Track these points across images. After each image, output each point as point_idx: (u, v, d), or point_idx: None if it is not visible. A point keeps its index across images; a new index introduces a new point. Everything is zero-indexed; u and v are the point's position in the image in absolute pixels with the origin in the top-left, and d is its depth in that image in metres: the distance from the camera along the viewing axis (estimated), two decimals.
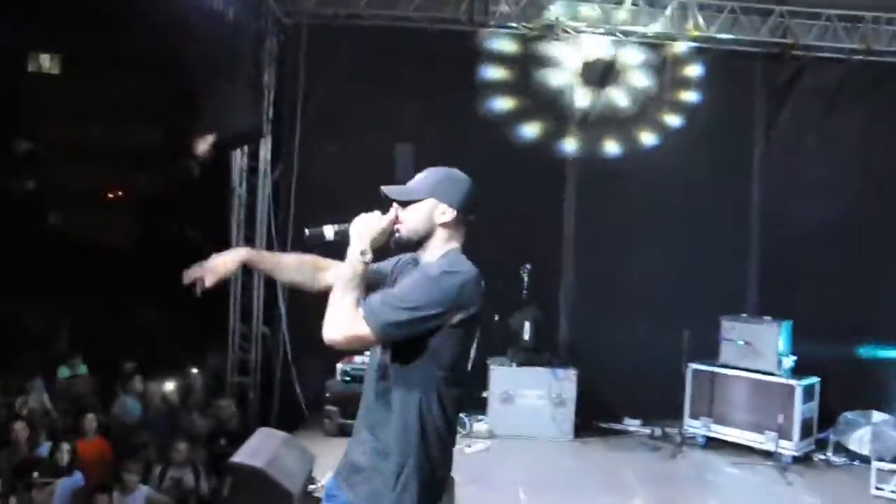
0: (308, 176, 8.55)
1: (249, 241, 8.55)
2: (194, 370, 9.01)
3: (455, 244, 2.73)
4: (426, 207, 2.69)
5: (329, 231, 2.75)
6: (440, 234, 2.71)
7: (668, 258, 8.46)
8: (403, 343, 2.57)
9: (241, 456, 5.17)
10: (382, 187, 2.75)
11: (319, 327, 7.99)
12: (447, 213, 2.69)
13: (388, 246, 2.78)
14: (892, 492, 6.54)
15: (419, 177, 2.76)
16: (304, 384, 8.33)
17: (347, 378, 7.55)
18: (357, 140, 8.57)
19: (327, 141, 8.64)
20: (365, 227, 2.65)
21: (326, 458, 6.21)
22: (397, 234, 2.72)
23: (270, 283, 8.59)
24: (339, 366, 7.62)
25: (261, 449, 5.31)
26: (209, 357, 9.28)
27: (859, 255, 8.48)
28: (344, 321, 2.53)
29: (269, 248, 8.57)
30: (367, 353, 2.85)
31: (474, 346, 2.70)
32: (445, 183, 2.74)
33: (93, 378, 8.79)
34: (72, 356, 8.94)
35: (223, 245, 8.56)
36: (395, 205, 2.73)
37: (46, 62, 22.42)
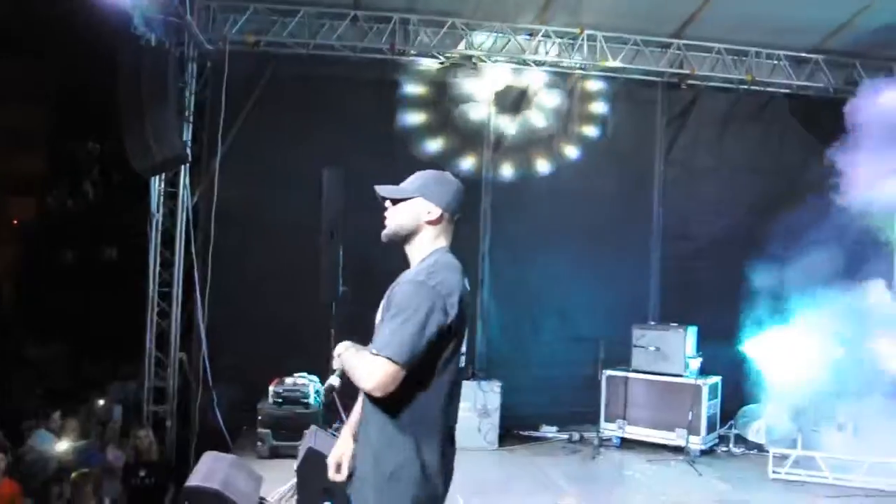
0: (228, 199, 8.56)
1: (167, 265, 8.50)
2: (103, 402, 8.77)
3: (442, 243, 2.93)
4: (414, 206, 2.91)
5: (334, 381, 2.88)
6: (427, 232, 2.91)
7: (578, 273, 9.01)
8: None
9: (196, 479, 5.22)
10: (375, 186, 2.98)
11: (239, 352, 8.05)
12: (433, 213, 2.90)
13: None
14: (787, 474, 7.29)
15: (411, 177, 2.98)
16: (225, 410, 8.18)
17: (280, 400, 7.57)
18: (279, 164, 8.67)
19: (249, 165, 8.72)
20: (347, 356, 2.82)
21: (266, 480, 6.32)
22: (384, 230, 2.95)
23: (189, 308, 8.54)
24: (272, 388, 7.64)
25: (213, 471, 5.38)
26: (124, 386, 9.06)
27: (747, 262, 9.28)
28: (366, 370, 2.68)
29: (188, 271, 8.54)
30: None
31: (463, 344, 2.90)
32: (434, 184, 2.95)
33: None
34: None
35: (141, 268, 8.50)
36: (387, 203, 2.95)
37: None
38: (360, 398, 2.95)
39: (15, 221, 15.83)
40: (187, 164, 8.64)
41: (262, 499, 5.82)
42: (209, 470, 5.40)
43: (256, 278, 8.61)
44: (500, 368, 8.91)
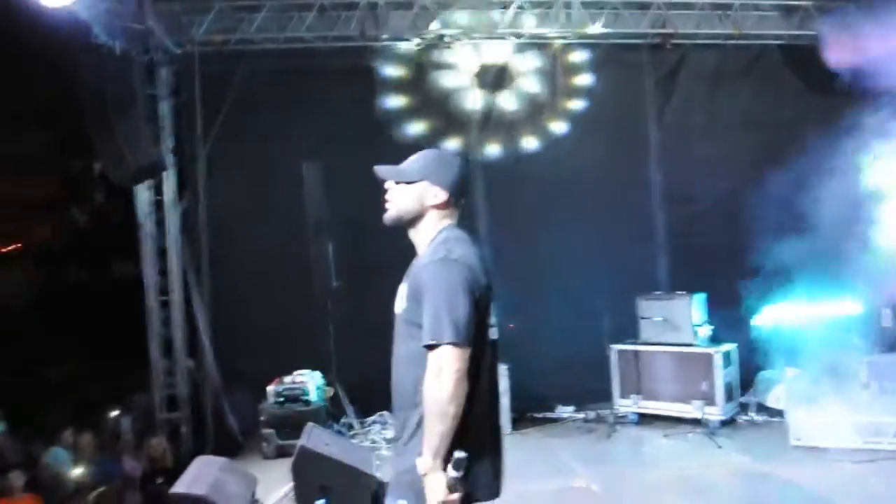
0: (217, 203, 8.46)
1: (162, 274, 8.41)
2: (116, 413, 8.73)
3: (448, 222, 2.78)
4: (417, 189, 2.74)
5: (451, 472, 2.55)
6: (432, 215, 2.75)
7: (580, 246, 8.72)
8: (410, 327, 2.61)
9: (182, 486, 5.05)
10: (375, 167, 2.80)
11: (244, 354, 7.88)
12: (439, 196, 2.74)
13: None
14: (810, 440, 6.90)
15: (413, 158, 2.81)
16: (237, 412, 8.18)
17: (281, 399, 7.48)
18: (262, 162, 8.54)
19: (232, 166, 8.59)
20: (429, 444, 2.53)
21: (269, 481, 6.20)
22: (387, 214, 2.78)
23: (190, 315, 8.44)
24: (270, 388, 7.55)
25: (200, 476, 5.20)
26: (132, 398, 9.02)
27: (753, 222, 8.96)
28: (438, 376, 2.49)
29: (185, 278, 8.44)
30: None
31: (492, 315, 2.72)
32: (437, 165, 2.78)
33: (14, 436, 8.41)
34: None
35: (137, 282, 8.42)
36: (388, 184, 2.78)
37: None
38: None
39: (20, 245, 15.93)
40: (173, 171, 8.57)
41: (255, 501, 5.63)
42: (196, 475, 5.23)
43: (253, 279, 8.53)
44: (509, 351, 8.58)
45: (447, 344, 2.48)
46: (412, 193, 2.74)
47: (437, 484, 2.49)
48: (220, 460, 5.70)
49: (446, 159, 2.83)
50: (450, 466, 2.51)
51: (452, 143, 9.04)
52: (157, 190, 8.53)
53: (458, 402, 2.48)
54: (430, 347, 2.51)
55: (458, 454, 2.50)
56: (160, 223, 8.51)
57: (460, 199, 2.81)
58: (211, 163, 8.51)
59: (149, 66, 8.37)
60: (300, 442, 5.83)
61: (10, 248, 16.55)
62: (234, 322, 8.39)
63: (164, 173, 8.41)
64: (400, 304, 2.72)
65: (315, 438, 5.93)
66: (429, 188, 2.73)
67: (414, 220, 2.76)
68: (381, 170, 2.80)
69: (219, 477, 5.27)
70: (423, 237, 2.75)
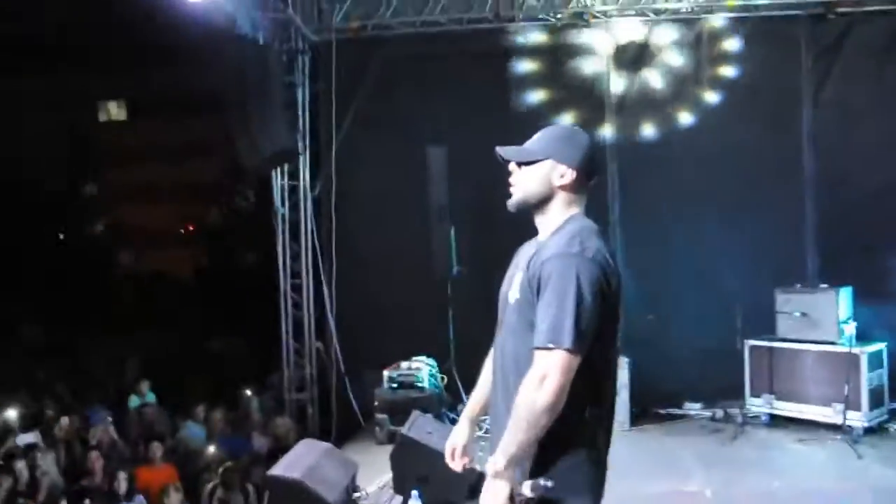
0: (348, 188, 8.68)
1: (295, 258, 8.76)
2: (250, 392, 9.22)
3: (576, 209, 2.56)
4: (544, 169, 2.54)
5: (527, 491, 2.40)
6: (560, 197, 2.55)
7: (722, 236, 8.17)
8: (523, 321, 2.43)
9: (279, 469, 5.26)
10: (497, 148, 2.63)
11: (369, 337, 8.06)
12: (566, 175, 2.53)
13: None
14: None
15: (536, 136, 2.63)
16: (359, 395, 8.40)
17: (395, 385, 7.60)
18: (394, 148, 8.67)
19: (364, 152, 8.76)
20: (505, 447, 2.37)
21: (377, 466, 6.30)
22: (511, 199, 2.60)
23: (319, 298, 8.75)
24: (386, 373, 7.68)
25: (299, 460, 5.39)
26: (268, 377, 9.51)
27: None
28: (542, 382, 2.29)
29: (314, 260, 8.74)
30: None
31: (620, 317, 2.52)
32: (564, 142, 2.58)
33: (161, 406, 9.12)
34: (139, 386, 9.30)
35: (271, 266, 8.84)
36: (511, 166, 2.61)
37: (114, 109, 23.57)
38: (488, 378, 2.68)
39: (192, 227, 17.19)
40: (306, 158, 8.89)
41: (355, 487, 5.76)
42: (296, 459, 5.42)
43: (380, 263, 8.68)
44: (637, 344, 8.27)
45: (563, 350, 2.27)
46: (538, 174, 2.53)
47: (499, 493, 2.34)
48: (324, 445, 5.89)
49: (572, 135, 2.61)
50: (528, 484, 2.34)
51: (588, 126, 8.69)
52: (293, 176, 8.87)
53: (553, 414, 2.30)
54: (541, 348, 2.31)
55: (546, 482, 2.33)
56: (294, 208, 8.84)
57: (590, 179, 2.58)
58: (344, 149, 8.74)
59: (288, 54, 8.70)
60: (402, 430, 5.93)
61: (184, 230, 18.00)
62: (359, 306, 8.61)
63: (300, 160, 8.75)
64: (513, 293, 2.50)
65: (418, 427, 6.00)
66: (555, 167, 2.52)
67: (540, 203, 2.55)
68: (503, 151, 2.61)
69: (318, 462, 5.43)
70: (549, 223, 2.54)
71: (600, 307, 2.34)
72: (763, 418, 7.57)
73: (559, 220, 2.51)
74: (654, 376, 7.99)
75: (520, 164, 2.57)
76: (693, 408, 8.21)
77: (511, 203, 2.59)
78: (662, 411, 8.19)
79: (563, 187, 2.52)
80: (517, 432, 2.31)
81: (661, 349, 8.18)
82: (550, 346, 2.28)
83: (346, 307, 8.67)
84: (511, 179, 2.59)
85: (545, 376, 2.28)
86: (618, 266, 2.48)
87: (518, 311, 2.47)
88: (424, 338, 8.12)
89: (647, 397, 7.96)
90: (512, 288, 2.52)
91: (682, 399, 8.29)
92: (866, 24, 8.26)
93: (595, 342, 2.35)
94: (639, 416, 7.81)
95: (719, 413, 7.99)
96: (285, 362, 8.73)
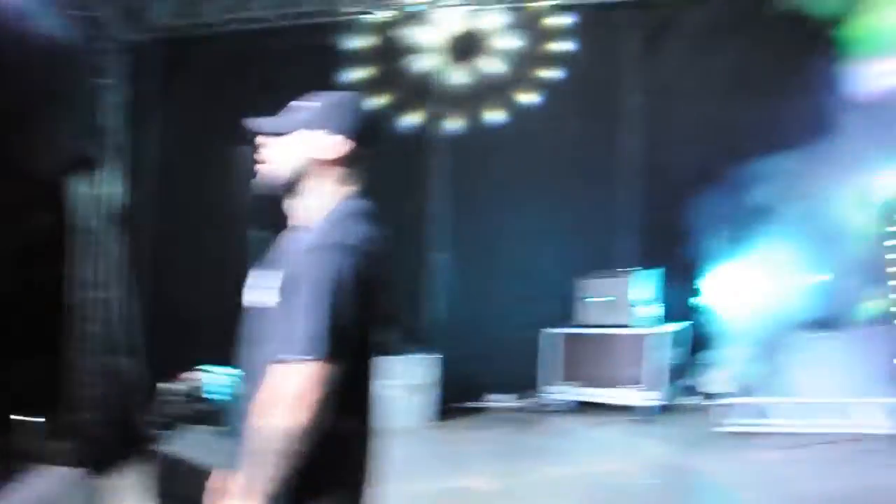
0: (160, 194, 8.19)
1: (92, 271, 8.16)
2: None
3: (347, 187, 2.08)
4: (303, 140, 2.06)
5: None
6: (324, 174, 2.06)
7: (540, 224, 8.12)
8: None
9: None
10: (247, 120, 2.11)
11: (175, 349, 7.31)
12: (337, 147, 2.06)
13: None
14: (739, 426, 6.38)
15: (297, 103, 2.12)
16: (149, 411, 7.87)
17: (180, 398, 7.14)
18: (213, 151, 8.17)
19: (182, 156, 8.26)
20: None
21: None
22: (258, 178, 2.08)
23: (120, 313, 8.20)
24: (168, 386, 7.23)
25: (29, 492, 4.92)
26: (54, 399, 8.86)
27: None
28: (285, 400, 1.84)
29: (117, 272, 8.20)
30: None
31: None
32: (330, 108, 2.09)
33: None
34: None
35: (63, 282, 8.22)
36: (261, 139, 2.11)
37: None
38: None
39: None
40: (116, 164, 8.31)
41: None
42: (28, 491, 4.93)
43: (189, 272, 8.18)
44: (450, 339, 8.13)
45: (314, 360, 1.83)
46: (295, 146, 2.06)
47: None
48: (68, 472, 5.40)
49: (342, 100, 2.12)
50: None
51: (414, 118, 8.59)
52: (96, 184, 8.24)
53: (308, 436, 1.84)
54: (289, 360, 1.84)
55: None
56: (97, 218, 8.23)
57: (363, 150, 2.10)
58: (159, 153, 8.24)
59: (98, 53, 8.08)
60: (166, 446, 5.56)
61: None
62: (165, 317, 8.09)
63: (106, 166, 8.16)
64: (268, 296, 1.99)
65: (190, 442, 5.64)
66: (318, 137, 2.04)
67: (297, 183, 2.05)
68: (256, 123, 2.11)
69: (50, 493, 4.97)
70: (311, 207, 2.04)
71: (361, 303, 1.92)
72: (569, 405, 7.54)
73: (326, 203, 2.05)
74: (463, 371, 7.85)
75: (276, 137, 2.09)
76: (498, 399, 8.13)
77: (260, 183, 2.09)
78: (470, 405, 8.05)
79: (329, 162, 2.07)
80: (263, 467, 1.86)
81: (471, 342, 8.05)
82: (305, 357, 1.84)
83: (150, 319, 8.15)
84: (261, 154, 2.09)
85: (294, 395, 1.83)
86: (375, 252, 2.00)
87: (280, 317, 1.96)
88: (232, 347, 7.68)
89: (455, 392, 7.80)
90: (262, 289, 2.05)
91: (488, 392, 8.20)
92: (692, 12, 8.24)
93: (354, 344, 1.93)
94: (447, 412, 7.64)
95: (521, 404, 7.92)
96: (76, 382, 8.12)
